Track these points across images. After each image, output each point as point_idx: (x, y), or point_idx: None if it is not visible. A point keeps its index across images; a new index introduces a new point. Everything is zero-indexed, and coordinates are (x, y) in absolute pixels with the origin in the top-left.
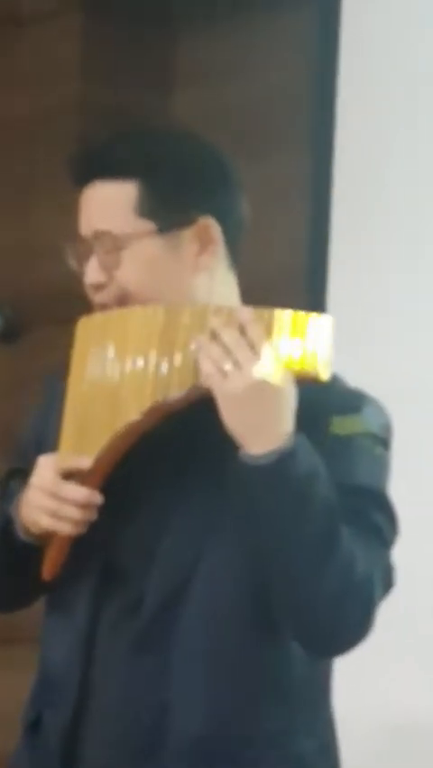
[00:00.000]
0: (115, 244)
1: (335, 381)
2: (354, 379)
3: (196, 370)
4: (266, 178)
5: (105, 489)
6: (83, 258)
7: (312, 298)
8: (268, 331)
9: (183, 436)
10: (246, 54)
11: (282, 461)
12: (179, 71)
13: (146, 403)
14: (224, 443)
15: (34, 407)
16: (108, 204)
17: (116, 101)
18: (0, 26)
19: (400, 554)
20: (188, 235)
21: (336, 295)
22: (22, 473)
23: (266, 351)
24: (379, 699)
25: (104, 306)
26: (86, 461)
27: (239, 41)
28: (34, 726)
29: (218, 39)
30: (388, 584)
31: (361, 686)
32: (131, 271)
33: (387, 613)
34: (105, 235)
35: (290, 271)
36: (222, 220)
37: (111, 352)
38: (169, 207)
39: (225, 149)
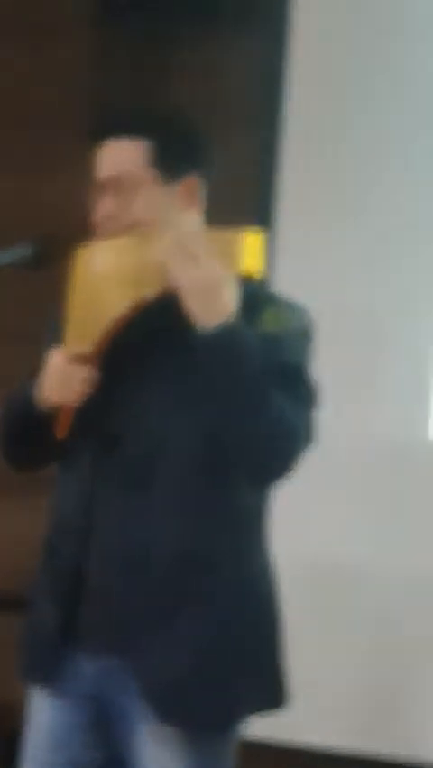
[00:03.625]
0: None
1: (267, 288)
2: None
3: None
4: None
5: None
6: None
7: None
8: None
9: (152, 326)
10: None
11: (227, 330)
12: None
13: (129, 302)
14: (185, 331)
15: (51, 319)
16: None
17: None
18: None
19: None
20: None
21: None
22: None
23: (207, 256)
24: (308, 541)
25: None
26: (87, 348)
27: None
28: (49, 552)
29: None
30: (309, 437)
31: (294, 531)
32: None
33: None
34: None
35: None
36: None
37: (101, 270)
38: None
39: None
